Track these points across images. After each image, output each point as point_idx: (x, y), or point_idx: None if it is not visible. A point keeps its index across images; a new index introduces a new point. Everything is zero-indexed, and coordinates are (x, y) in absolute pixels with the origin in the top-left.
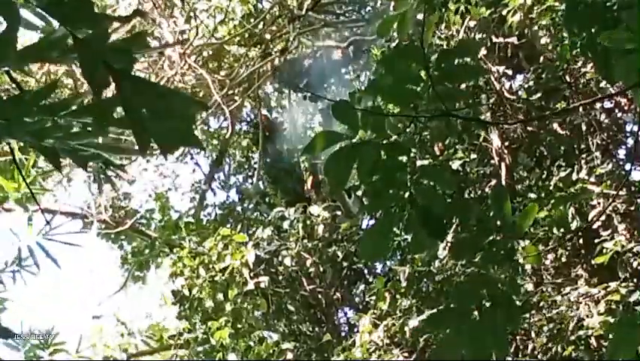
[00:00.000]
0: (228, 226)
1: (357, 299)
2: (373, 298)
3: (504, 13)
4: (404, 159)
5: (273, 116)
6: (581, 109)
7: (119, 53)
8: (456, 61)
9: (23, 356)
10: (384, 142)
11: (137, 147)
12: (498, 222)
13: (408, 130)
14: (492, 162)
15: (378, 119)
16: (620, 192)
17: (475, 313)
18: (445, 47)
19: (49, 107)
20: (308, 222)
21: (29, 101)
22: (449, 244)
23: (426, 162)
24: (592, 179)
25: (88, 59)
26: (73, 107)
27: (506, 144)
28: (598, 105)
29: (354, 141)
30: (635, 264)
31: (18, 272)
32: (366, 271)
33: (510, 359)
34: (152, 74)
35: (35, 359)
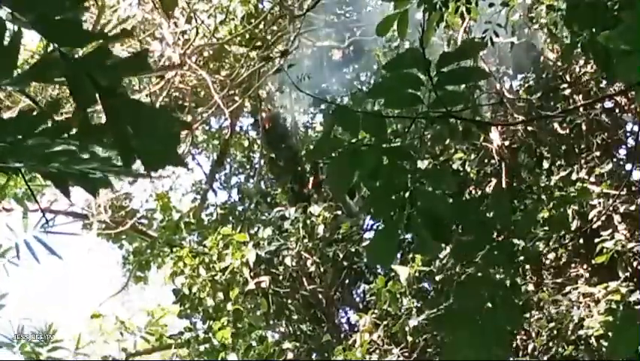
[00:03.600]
0: (229, 225)
1: (357, 299)
2: (374, 298)
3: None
4: (405, 163)
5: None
6: (581, 109)
7: (106, 70)
8: (457, 64)
9: (19, 353)
10: (386, 146)
11: (143, 170)
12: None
13: (408, 132)
14: (492, 161)
15: (380, 123)
16: (621, 192)
17: (478, 313)
18: (445, 46)
19: (51, 130)
20: (308, 222)
21: (32, 122)
22: (450, 245)
23: (426, 163)
24: (592, 179)
25: (74, 76)
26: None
27: (506, 143)
28: (598, 105)
29: (354, 142)
30: (635, 264)
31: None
32: (366, 271)
33: (510, 359)
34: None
35: (35, 359)
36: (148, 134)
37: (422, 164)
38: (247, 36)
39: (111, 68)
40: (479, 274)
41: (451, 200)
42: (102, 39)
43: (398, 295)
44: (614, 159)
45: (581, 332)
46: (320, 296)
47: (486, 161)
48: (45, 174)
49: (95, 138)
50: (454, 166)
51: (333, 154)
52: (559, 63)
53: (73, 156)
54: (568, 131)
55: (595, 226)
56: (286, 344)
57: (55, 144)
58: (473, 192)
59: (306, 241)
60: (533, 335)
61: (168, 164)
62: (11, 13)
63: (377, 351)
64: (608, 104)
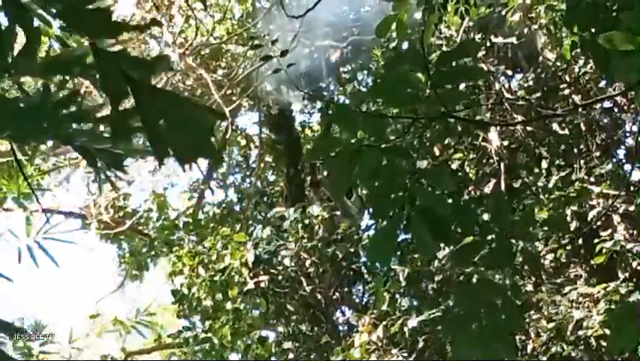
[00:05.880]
0: (227, 225)
1: (356, 299)
2: (373, 298)
3: (503, 12)
4: (405, 162)
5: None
6: (580, 109)
7: (137, 63)
8: (455, 63)
9: (12, 349)
10: (385, 146)
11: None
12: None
13: (408, 132)
14: (491, 161)
15: (379, 122)
16: (620, 192)
17: (481, 315)
18: (444, 47)
19: (72, 116)
20: (307, 222)
21: (52, 109)
22: (450, 245)
23: (425, 163)
24: (591, 179)
25: (106, 70)
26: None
27: (505, 143)
28: (597, 105)
29: (353, 142)
30: (634, 264)
31: None
32: (365, 271)
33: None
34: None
35: (34, 360)
36: (181, 127)
37: (421, 164)
38: (245, 35)
39: (142, 61)
40: (477, 274)
41: (450, 200)
42: (132, 30)
43: (397, 296)
44: (614, 159)
45: (580, 332)
46: (319, 296)
47: (485, 161)
48: (73, 147)
49: (128, 132)
50: (453, 166)
51: (332, 154)
52: (558, 63)
53: (93, 135)
54: (567, 131)
55: (594, 226)
56: (287, 344)
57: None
58: (472, 192)
59: (305, 241)
60: (533, 335)
61: (202, 156)
62: (39, 5)
63: (376, 351)
64: (607, 104)
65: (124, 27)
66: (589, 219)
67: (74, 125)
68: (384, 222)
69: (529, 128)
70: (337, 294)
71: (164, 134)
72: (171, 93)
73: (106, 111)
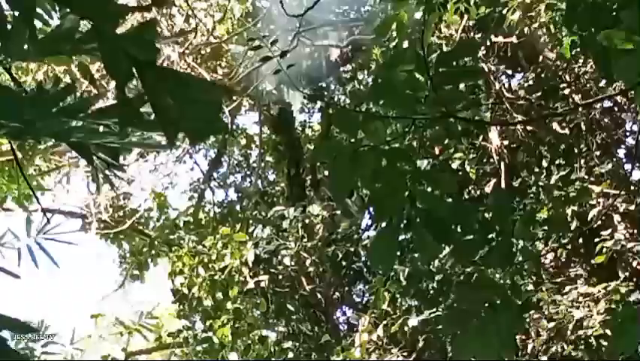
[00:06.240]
0: (227, 225)
1: (356, 299)
2: (373, 297)
3: (504, 12)
4: (404, 164)
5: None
6: (580, 108)
7: (141, 43)
8: (455, 62)
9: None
10: (385, 148)
11: (164, 142)
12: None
13: (408, 133)
14: (491, 161)
15: (379, 124)
16: (621, 192)
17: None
18: (444, 46)
19: (68, 109)
20: (307, 221)
21: (48, 102)
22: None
23: (425, 163)
24: (592, 178)
25: (110, 52)
26: (93, 108)
27: (506, 143)
28: (598, 104)
29: (353, 141)
30: (634, 263)
31: None
32: (365, 271)
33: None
34: None
35: (37, 359)
36: (190, 104)
37: (421, 164)
38: (245, 35)
39: (146, 41)
40: (479, 274)
41: (450, 200)
42: (135, 11)
43: (397, 295)
44: (614, 159)
45: (580, 332)
46: (319, 296)
47: (485, 160)
48: (68, 144)
49: (136, 115)
50: (454, 166)
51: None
52: (558, 62)
53: (90, 131)
54: (567, 130)
55: (594, 226)
56: (287, 344)
57: (72, 120)
58: (473, 191)
59: (305, 240)
60: (533, 334)
61: (212, 132)
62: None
63: (376, 351)
64: (608, 103)
65: (126, 10)
66: (589, 218)
67: (73, 122)
68: (385, 225)
69: (529, 128)
70: (337, 293)
71: (172, 114)
72: (176, 71)
73: (102, 104)
